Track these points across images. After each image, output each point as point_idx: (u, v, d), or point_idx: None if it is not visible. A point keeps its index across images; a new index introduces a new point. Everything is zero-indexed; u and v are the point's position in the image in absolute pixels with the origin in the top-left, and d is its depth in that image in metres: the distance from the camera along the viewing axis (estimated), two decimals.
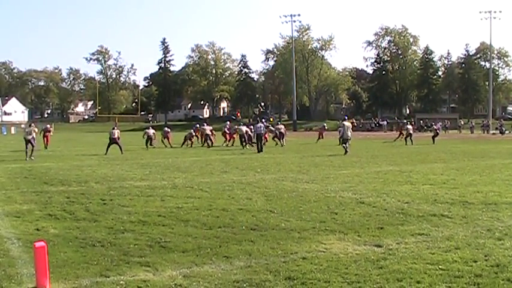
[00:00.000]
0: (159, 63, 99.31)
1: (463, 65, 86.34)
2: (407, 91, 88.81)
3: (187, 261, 5.40)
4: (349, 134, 21.80)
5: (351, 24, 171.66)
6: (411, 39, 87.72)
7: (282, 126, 30.91)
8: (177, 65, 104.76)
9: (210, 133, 28.85)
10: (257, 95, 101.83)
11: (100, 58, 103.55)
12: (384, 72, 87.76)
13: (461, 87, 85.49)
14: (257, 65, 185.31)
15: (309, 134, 56.27)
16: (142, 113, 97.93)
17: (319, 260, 5.36)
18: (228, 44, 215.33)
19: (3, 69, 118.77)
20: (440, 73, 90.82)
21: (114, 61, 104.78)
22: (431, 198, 9.32)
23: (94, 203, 9.11)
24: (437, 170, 14.65)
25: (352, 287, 4.58)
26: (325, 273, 4.91)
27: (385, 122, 67.56)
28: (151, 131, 28.70)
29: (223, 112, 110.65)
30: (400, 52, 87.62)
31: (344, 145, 21.44)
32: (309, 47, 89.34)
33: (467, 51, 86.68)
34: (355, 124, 64.14)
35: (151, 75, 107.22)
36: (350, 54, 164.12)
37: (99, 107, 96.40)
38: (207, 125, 31.56)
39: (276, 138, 29.72)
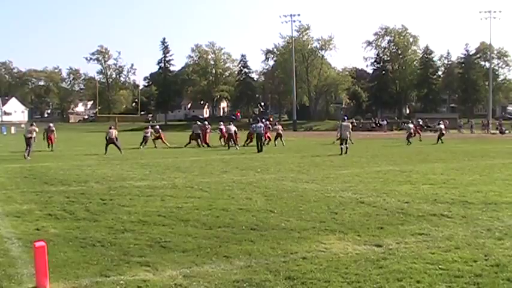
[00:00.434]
0: (159, 63, 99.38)
1: (463, 64, 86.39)
2: (407, 91, 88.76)
3: (187, 261, 5.40)
4: (347, 134, 21.73)
5: (351, 24, 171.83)
6: (411, 39, 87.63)
7: (280, 127, 31.20)
8: (177, 65, 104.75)
9: (233, 133, 28.22)
10: (257, 95, 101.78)
11: (100, 58, 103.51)
12: (383, 72, 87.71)
13: (461, 87, 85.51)
14: (257, 65, 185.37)
15: (309, 134, 56.28)
16: (142, 113, 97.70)
17: (319, 260, 5.37)
18: (228, 44, 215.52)
19: (3, 69, 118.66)
20: (440, 73, 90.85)
21: (114, 61, 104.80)
22: (431, 198, 9.32)
23: (94, 203, 9.11)
24: (437, 169, 14.65)
25: (352, 287, 4.58)
26: (325, 273, 4.92)
27: (385, 122, 67.53)
28: (148, 131, 28.73)
29: (223, 112, 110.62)
30: (400, 52, 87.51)
31: (341, 146, 21.26)
32: (309, 47, 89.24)
33: (467, 51, 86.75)
34: (355, 124, 64.19)
35: (151, 75, 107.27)
36: (350, 54, 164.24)
37: (99, 107, 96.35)
38: (223, 124, 31.34)
39: (278, 138, 29.70)
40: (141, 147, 27.52)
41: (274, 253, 5.69)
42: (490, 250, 5.66)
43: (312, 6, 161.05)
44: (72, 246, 6.03)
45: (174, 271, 5.05)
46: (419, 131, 34.46)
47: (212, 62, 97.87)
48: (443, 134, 30.55)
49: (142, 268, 5.17)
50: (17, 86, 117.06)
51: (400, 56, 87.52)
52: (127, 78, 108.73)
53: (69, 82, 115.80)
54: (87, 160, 19.26)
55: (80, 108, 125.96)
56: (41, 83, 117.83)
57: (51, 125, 27.11)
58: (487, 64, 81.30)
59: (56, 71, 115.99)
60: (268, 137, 29.46)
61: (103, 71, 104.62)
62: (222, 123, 32.50)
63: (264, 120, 33.47)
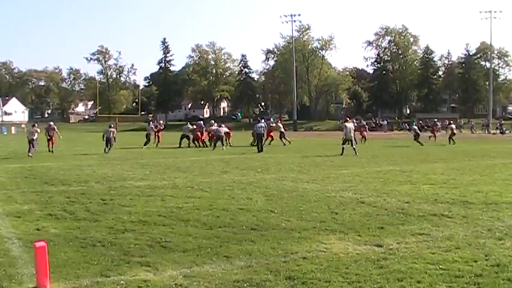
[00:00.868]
0: (159, 63, 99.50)
1: (463, 64, 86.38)
2: (407, 91, 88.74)
3: (187, 261, 5.40)
4: (352, 134, 21.66)
5: (351, 24, 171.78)
6: (411, 39, 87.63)
7: (281, 125, 31.73)
8: (177, 65, 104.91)
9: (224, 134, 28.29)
10: (257, 95, 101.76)
11: (100, 58, 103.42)
12: (384, 72, 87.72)
13: (462, 87, 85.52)
14: (257, 65, 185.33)
15: (310, 134, 56.28)
16: (142, 113, 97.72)
17: (320, 260, 5.36)
18: (228, 44, 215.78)
19: (4, 69, 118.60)
20: (440, 73, 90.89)
21: (115, 61, 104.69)
22: (432, 198, 9.32)
23: (94, 203, 9.11)
24: (438, 169, 14.64)
25: (352, 287, 4.58)
26: (326, 273, 4.91)
27: (385, 122, 67.50)
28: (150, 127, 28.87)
29: (224, 112, 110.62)
30: (400, 52, 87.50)
31: (343, 146, 21.20)
32: (309, 47, 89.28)
33: (467, 51, 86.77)
34: (355, 124, 64.14)
35: (151, 75, 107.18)
36: (350, 54, 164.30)
37: (100, 107, 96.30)
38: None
39: (282, 138, 30.05)
40: (143, 147, 27.67)
41: (275, 253, 5.68)
42: (491, 250, 5.66)
43: (312, 6, 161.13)
44: (72, 246, 6.03)
45: (175, 271, 5.05)
46: (435, 132, 33.50)
47: (212, 62, 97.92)
48: (454, 134, 30.19)
49: (143, 268, 5.17)
50: (17, 86, 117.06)
51: (401, 56, 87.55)
52: (127, 78, 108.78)
53: (69, 82, 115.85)
54: (87, 160, 19.26)
55: (81, 108, 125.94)
56: (42, 83, 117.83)
57: (52, 123, 26.27)
58: (488, 64, 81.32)
59: (57, 71, 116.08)
60: (271, 136, 29.60)
61: (103, 71, 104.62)
62: (213, 121, 32.33)
63: (265, 120, 33.78)
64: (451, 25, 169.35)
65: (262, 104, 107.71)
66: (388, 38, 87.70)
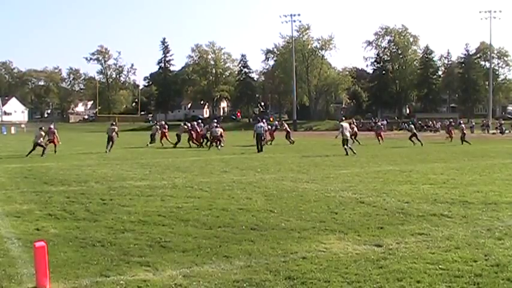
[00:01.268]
0: (159, 63, 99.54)
1: (463, 64, 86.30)
2: (407, 91, 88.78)
3: (187, 261, 5.40)
4: (348, 134, 21.70)
5: (351, 24, 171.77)
6: (411, 39, 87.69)
7: (286, 125, 33.20)
8: (177, 65, 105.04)
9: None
10: (257, 95, 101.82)
11: (100, 58, 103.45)
12: (383, 72, 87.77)
13: (461, 86, 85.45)
14: (257, 65, 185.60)
15: (310, 134, 56.29)
16: (142, 112, 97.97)
17: (319, 260, 5.36)
18: (228, 44, 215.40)
19: (3, 69, 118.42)
20: (440, 73, 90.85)
21: (114, 61, 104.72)
22: (431, 197, 9.32)
23: (94, 203, 9.10)
24: (437, 169, 14.64)
25: (352, 287, 4.58)
26: (325, 273, 4.91)
27: (385, 122, 67.38)
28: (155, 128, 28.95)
29: (223, 112, 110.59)
30: (400, 52, 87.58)
31: (348, 146, 21.04)
32: (309, 47, 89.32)
33: (467, 50, 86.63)
34: (355, 124, 64.15)
35: (151, 75, 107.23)
36: (350, 54, 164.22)
37: (99, 107, 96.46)
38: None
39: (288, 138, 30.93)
40: (148, 144, 27.98)
41: (274, 253, 5.68)
42: (490, 250, 5.65)
43: (312, 6, 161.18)
44: (72, 246, 6.03)
45: (174, 271, 5.04)
46: (451, 133, 33.08)
47: (212, 62, 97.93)
48: (464, 134, 30.12)
49: (143, 268, 5.16)
50: (17, 86, 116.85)
51: (400, 56, 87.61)
52: (127, 78, 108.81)
53: (69, 82, 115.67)
54: (87, 160, 19.25)
55: (80, 108, 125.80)
56: (41, 83, 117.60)
57: (52, 126, 25.98)
58: (487, 64, 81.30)
59: (56, 71, 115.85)
60: (273, 136, 30.06)
61: (103, 71, 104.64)
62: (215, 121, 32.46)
63: (267, 120, 34.13)
64: (450, 25, 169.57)
65: (262, 104, 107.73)
66: (387, 38, 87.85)
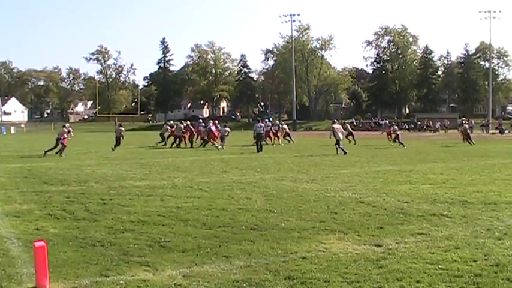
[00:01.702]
0: (158, 62, 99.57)
1: (463, 64, 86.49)
2: (407, 91, 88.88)
3: (187, 260, 5.39)
4: (340, 135, 22.00)
5: (350, 24, 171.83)
6: (411, 39, 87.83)
7: (286, 127, 33.31)
8: (176, 65, 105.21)
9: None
10: (257, 95, 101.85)
11: (100, 58, 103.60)
12: (383, 72, 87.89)
13: (461, 86, 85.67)
14: (257, 65, 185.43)
15: (309, 134, 56.26)
16: (142, 112, 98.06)
17: (319, 260, 5.36)
18: (228, 44, 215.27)
19: (3, 69, 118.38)
20: (440, 73, 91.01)
21: (114, 61, 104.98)
22: (431, 197, 9.31)
23: (94, 203, 9.09)
24: (437, 169, 14.63)
25: (351, 287, 4.58)
26: (325, 273, 4.91)
27: (387, 121, 67.17)
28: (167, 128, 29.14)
29: (223, 112, 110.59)
30: (399, 52, 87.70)
31: (339, 147, 21.36)
32: (309, 47, 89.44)
33: (466, 50, 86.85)
34: (354, 124, 64.08)
35: (151, 75, 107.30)
36: (350, 53, 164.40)
37: (99, 107, 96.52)
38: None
39: (287, 137, 31.39)
40: (158, 144, 28.16)
41: (274, 253, 5.68)
42: (490, 250, 5.65)
43: (312, 6, 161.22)
44: (72, 246, 6.02)
45: (174, 271, 5.04)
46: (467, 134, 32.63)
47: (212, 62, 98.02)
48: (469, 134, 30.03)
49: (142, 268, 5.16)
50: (16, 86, 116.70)
51: (400, 56, 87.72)
52: (127, 78, 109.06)
53: (68, 82, 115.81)
54: (86, 160, 19.25)
55: (80, 108, 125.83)
56: (41, 82, 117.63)
57: (67, 125, 24.66)
58: (487, 64, 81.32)
59: (56, 70, 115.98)
60: (277, 135, 30.48)
61: (103, 71, 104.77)
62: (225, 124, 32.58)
63: (269, 120, 34.37)
64: (450, 25, 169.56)
65: (262, 104, 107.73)
66: (387, 37, 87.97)
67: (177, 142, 28.27)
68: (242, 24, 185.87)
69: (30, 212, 8.29)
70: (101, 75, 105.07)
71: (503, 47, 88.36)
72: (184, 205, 8.76)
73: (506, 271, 4.90)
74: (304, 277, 4.80)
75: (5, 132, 68.77)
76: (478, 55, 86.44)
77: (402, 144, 26.37)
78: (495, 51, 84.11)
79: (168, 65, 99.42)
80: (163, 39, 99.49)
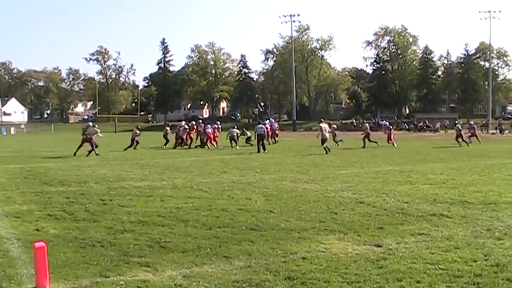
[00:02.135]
0: (158, 63, 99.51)
1: (463, 64, 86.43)
2: (406, 91, 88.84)
3: (187, 261, 5.40)
4: (327, 134, 22.64)
5: (350, 24, 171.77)
6: (411, 39, 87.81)
7: (277, 126, 33.96)
8: (176, 65, 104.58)
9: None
10: (256, 95, 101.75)
11: (99, 58, 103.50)
12: (383, 72, 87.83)
13: (461, 87, 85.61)
14: (257, 65, 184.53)
15: (309, 134, 56.23)
16: (142, 113, 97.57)
17: (319, 260, 5.36)
18: (228, 44, 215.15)
19: (3, 70, 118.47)
20: (439, 73, 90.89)
21: (114, 61, 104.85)
22: (431, 198, 9.31)
23: (94, 203, 9.09)
24: (437, 169, 14.63)
25: (352, 287, 4.58)
26: (325, 273, 4.91)
27: (383, 122, 67.15)
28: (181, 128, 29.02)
29: (223, 112, 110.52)
30: (399, 52, 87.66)
31: (324, 145, 22.10)
32: (309, 47, 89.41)
33: (466, 51, 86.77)
34: (355, 124, 64.19)
35: (150, 75, 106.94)
36: (349, 54, 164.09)
37: (99, 108, 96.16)
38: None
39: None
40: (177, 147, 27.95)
41: (274, 253, 5.68)
42: (490, 250, 5.65)
43: (311, 6, 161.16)
44: (72, 247, 6.02)
45: (174, 271, 5.04)
46: (475, 134, 32.25)
47: (212, 62, 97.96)
48: (473, 134, 29.99)
49: (142, 268, 5.16)
50: (16, 87, 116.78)
51: (400, 56, 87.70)
52: (126, 79, 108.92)
53: (68, 82, 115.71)
54: (86, 160, 19.24)
55: (80, 108, 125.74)
56: (41, 83, 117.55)
57: (90, 124, 24.24)
58: (487, 64, 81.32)
59: (56, 71, 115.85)
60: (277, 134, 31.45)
61: (103, 72, 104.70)
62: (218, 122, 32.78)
63: (269, 120, 34.54)
64: (450, 25, 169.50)
65: (262, 104, 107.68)
66: (387, 38, 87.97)
67: (188, 143, 28.43)
68: (242, 24, 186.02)
69: (30, 213, 8.28)
70: (100, 76, 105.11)
71: (503, 47, 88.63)
72: (184, 205, 8.75)
73: (506, 271, 4.90)
74: (304, 277, 4.80)
75: (4, 133, 68.78)
76: (478, 55, 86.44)
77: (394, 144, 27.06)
78: (495, 52, 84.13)
79: (168, 66, 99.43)
80: (163, 39, 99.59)
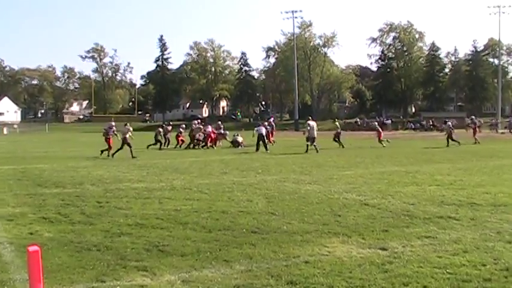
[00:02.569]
0: (156, 61, 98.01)
1: (471, 61, 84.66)
2: (412, 89, 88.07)
3: (186, 265, 5.35)
4: (315, 133, 22.94)
5: (354, 20, 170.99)
6: (417, 36, 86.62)
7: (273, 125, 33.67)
8: (175, 63, 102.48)
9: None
10: (258, 94, 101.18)
11: (95, 56, 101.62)
12: (388, 70, 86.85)
13: (469, 84, 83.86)
14: (257, 63, 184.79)
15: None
16: (139, 112, 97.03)
17: (322, 264, 5.31)
18: (228, 41, 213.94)
19: None
20: (447, 70, 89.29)
21: (110, 59, 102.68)
22: (438, 199, 9.20)
23: (90, 206, 8.99)
24: (444, 170, 14.46)
25: None
26: (329, 278, 4.86)
27: (389, 121, 67.01)
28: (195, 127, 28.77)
29: (223, 111, 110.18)
30: (405, 49, 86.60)
31: (308, 143, 22.49)
32: (311, 44, 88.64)
33: (475, 47, 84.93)
34: (359, 123, 64.01)
35: (148, 73, 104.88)
36: (353, 51, 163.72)
37: (95, 107, 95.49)
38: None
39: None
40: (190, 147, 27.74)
41: (276, 257, 5.62)
42: (500, 254, 5.57)
43: (314, 2, 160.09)
44: (67, 251, 5.95)
45: (173, 276, 5.00)
46: (478, 130, 32.04)
47: (211, 60, 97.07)
48: (475, 132, 30.00)
49: (140, 273, 5.11)
50: (9, 85, 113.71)
51: (406, 53, 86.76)
52: (123, 77, 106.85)
53: (63, 81, 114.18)
54: (82, 161, 19.18)
55: (75, 107, 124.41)
56: (34, 82, 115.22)
57: (113, 124, 24.11)
58: (496, 61, 79.94)
59: (50, 69, 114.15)
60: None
61: (99, 70, 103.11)
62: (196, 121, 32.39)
63: (270, 120, 34.62)
64: (457, 21, 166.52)
65: (263, 103, 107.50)
66: (392, 34, 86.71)
67: (196, 143, 28.30)
68: (242, 21, 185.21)
69: (23, 216, 8.16)
70: (96, 74, 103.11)
71: None
72: (183, 208, 8.67)
73: None
74: (307, 282, 4.75)
75: None
76: (486, 52, 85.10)
77: (382, 142, 27.32)
78: (504, 48, 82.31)
79: (166, 64, 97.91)
80: (161, 36, 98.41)
